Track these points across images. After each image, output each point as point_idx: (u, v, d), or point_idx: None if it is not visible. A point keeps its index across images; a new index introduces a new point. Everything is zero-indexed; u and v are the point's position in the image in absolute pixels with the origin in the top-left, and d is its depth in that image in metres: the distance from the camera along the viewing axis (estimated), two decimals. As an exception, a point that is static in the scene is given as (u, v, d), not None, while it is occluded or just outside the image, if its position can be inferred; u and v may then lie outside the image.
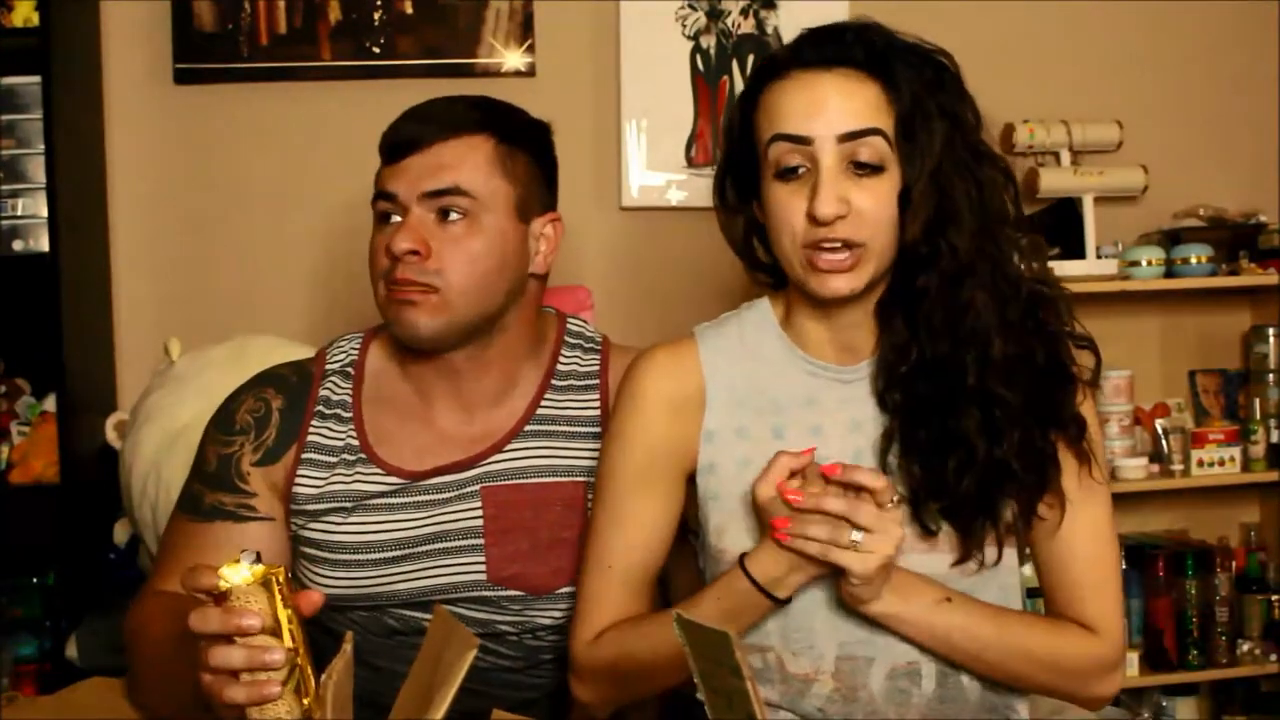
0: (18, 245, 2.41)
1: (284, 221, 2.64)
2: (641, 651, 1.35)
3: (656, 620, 1.34)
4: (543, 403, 1.55)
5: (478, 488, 1.51)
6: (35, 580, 2.44)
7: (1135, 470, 2.63)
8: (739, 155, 1.37)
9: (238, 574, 1.09)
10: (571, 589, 1.50)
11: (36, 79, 2.38)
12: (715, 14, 2.70)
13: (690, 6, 2.70)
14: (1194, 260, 2.65)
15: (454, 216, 1.48)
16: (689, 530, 1.44)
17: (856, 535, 1.22)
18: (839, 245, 1.27)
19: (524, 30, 2.65)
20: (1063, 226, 2.68)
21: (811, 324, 1.37)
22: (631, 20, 2.68)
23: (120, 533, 2.34)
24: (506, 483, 1.51)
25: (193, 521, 1.51)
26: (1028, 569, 1.41)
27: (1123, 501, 2.74)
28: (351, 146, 2.59)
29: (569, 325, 1.63)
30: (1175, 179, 2.80)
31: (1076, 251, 2.67)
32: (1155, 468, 2.67)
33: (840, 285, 1.28)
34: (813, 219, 1.27)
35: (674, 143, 2.70)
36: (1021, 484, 1.30)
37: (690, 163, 2.70)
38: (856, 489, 1.23)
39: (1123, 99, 2.81)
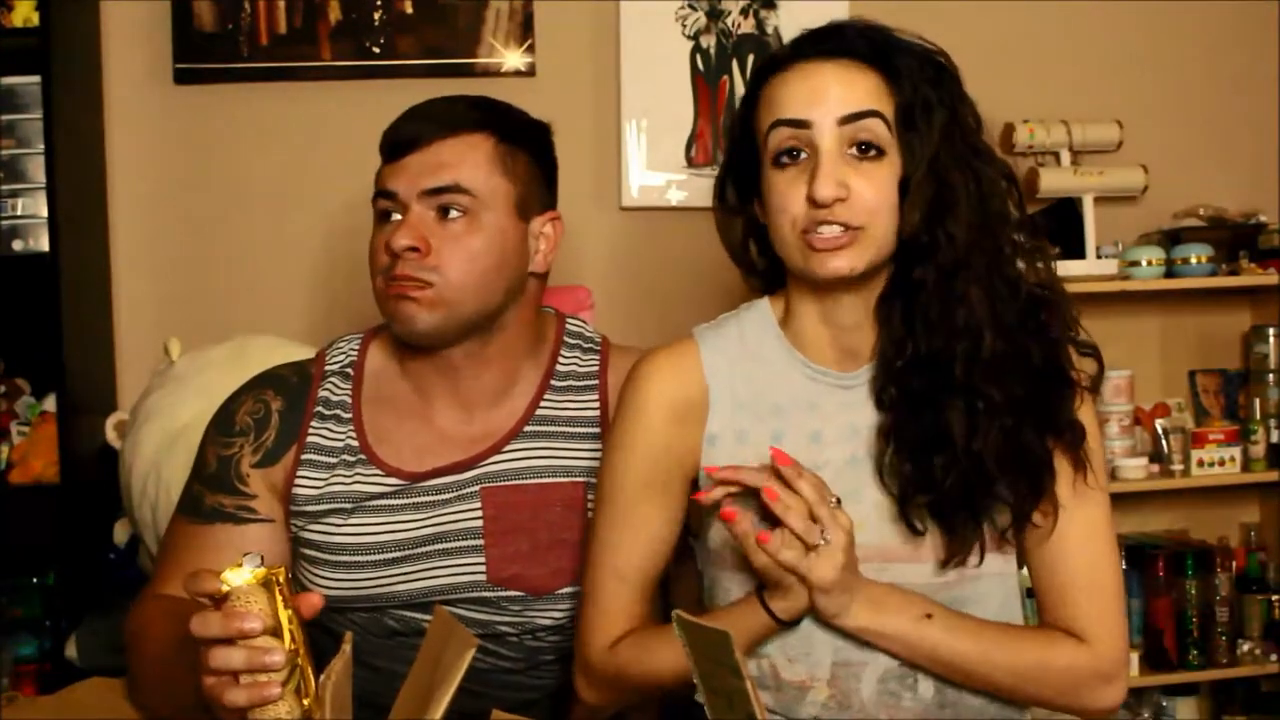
0: (18, 245, 2.41)
1: (284, 221, 2.64)
2: (658, 664, 1.35)
3: (671, 637, 1.34)
4: (542, 403, 1.55)
5: (477, 488, 1.51)
6: (35, 580, 2.43)
7: (1135, 470, 2.63)
8: (740, 155, 1.37)
9: (239, 576, 1.10)
10: (571, 589, 1.50)
11: (36, 79, 2.38)
12: (715, 14, 2.70)
13: (690, 6, 2.70)
14: (1194, 260, 2.65)
15: (453, 214, 1.48)
16: (689, 532, 1.44)
17: (826, 537, 1.23)
18: (837, 227, 1.27)
19: (524, 30, 2.65)
20: (1063, 226, 2.68)
21: (811, 326, 1.37)
22: (631, 20, 2.68)
23: (120, 533, 2.34)
24: (506, 483, 1.51)
25: (193, 524, 1.51)
26: (1024, 571, 1.41)
27: (1123, 501, 2.75)
28: (351, 146, 2.59)
29: (568, 325, 1.63)
30: (1175, 179, 2.79)
31: (1076, 251, 2.67)
32: (1155, 468, 2.67)
33: (839, 264, 1.28)
34: (812, 202, 1.27)
35: (674, 143, 2.70)
36: (1012, 487, 1.30)
37: (690, 163, 2.69)
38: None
39: (1123, 99, 2.81)
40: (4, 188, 2.40)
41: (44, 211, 2.38)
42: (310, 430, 1.53)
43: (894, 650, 1.31)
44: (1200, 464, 2.66)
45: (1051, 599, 1.37)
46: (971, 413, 1.28)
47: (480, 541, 1.50)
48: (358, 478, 1.51)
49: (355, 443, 1.53)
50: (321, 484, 1.51)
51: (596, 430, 1.53)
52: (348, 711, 1.09)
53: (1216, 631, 2.65)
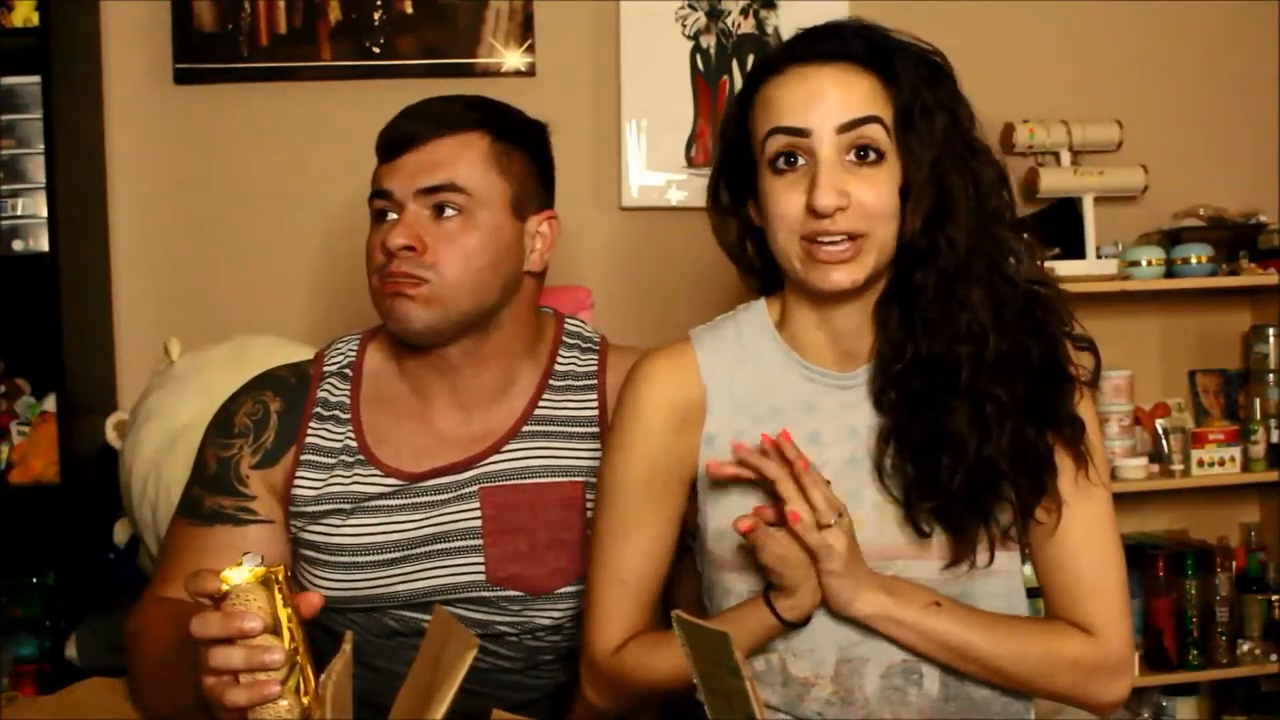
0: (18, 245, 2.41)
1: (284, 221, 2.64)
2: (663, 668, 1.35)
3: (676, 641, 1.34)
4: (540, 403, 1.55)
5: (476, 489, 1.51)
6: (35, 580, 2.43)
7: (1135, 470, 2.63)
8: (734, 156, 1.37)
9: (239, 575, 1.10)
10: (570, 589, 1.50)
11: (36, 79, 2.38)
12: (715, 14, 2.70)
13: (690, 6, 2.70)
14: (1194, 260, 2.65)
15: (449, 213, 1.49)
16: (688, 533, 1.44)
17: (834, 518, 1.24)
18: (840, 239, 1.27)
19: (524, 30, 2.65)
20: (1063, 226, 2.68)
21: (809, 328, 1.37)
22: (631, 20, 2.68)
23: (120, 533, 2.34)
24: (505, 483, 1.51)
25: (193, 525, 1.52)
26: (1028, 568, 1.41)
27: (1123, 501, 2.73)
28: (351, 146, 2.58)
29: (567, 325, 1.63)
30: (1175, 179, 2.79)
31: (1076, 251, 2.67)
32: (1155, 468, 2.67)
33: (841, 278, 1.28)
34: (812, 211, 1.26)
35: (674, 143, 2.70)
36: (1015, 485, 1.30)
37: (690, 163, 2.69)
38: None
39: (1123, 99, 2.81)
40: (4, 188, 2.40)
41: (44, 211, 2.38)
42: (309, 431, 1.53)
43: (905, 639, 1.31)
44: (1200, 464, 2.66)
45: (1057, 595, 1.37)
46: (979, 415, 1.28)
47: (479, 541, 1.50)
48: (356, 478, 1.51)
49: (354, 443, 1.53)
50: (320, 485, 1.51)
51: (595, 430, 1.53)
52: (348, 711, 1.09)
53: (1216, 631, 2.65)
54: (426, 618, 1.47)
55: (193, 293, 2.62)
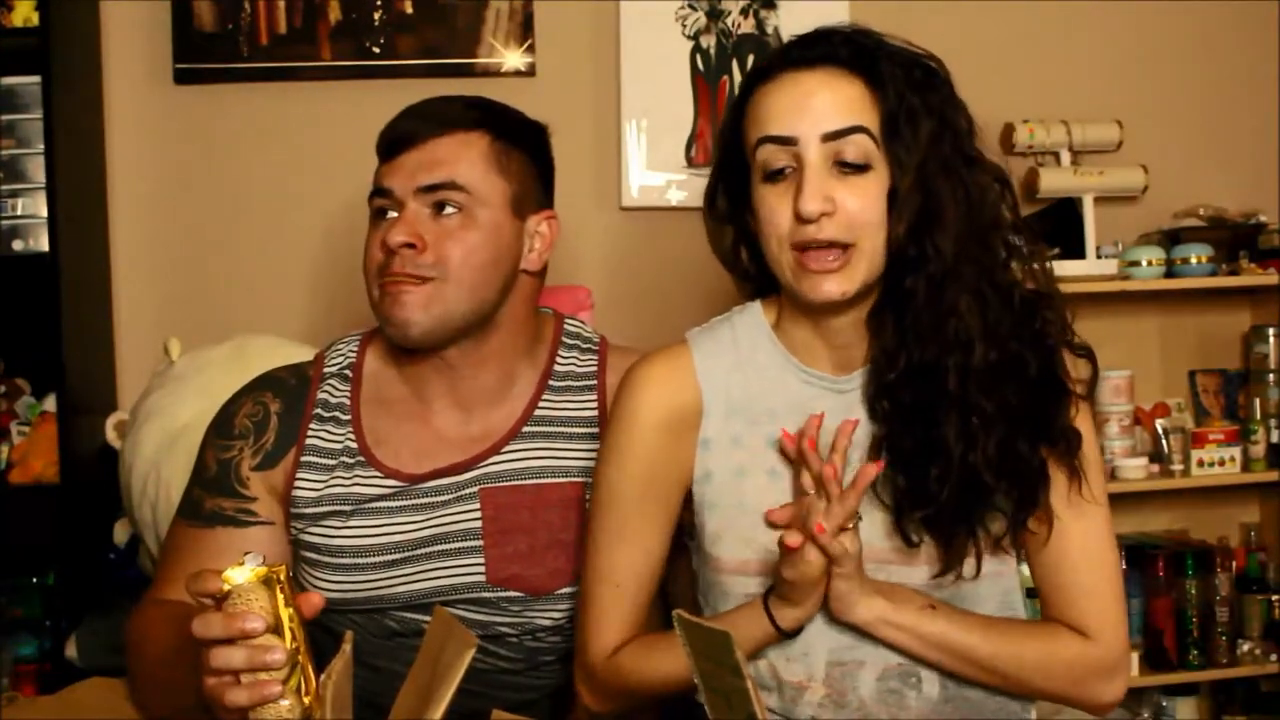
0: (18, 245, 2.41)
1: (284, 221, 2.64)
2: (660, 670, 1.35)
3: (673, 643, 1.34)
4: (540, 403, 1.55)
5: (476, 489, 1.51)
6: (35, 580, 2.43)
7: (1135, 470, 2.63)
8: (731, 162, 1.37)
9: (240, 575, 1.10)
10: (571, 590, 1.50)
11: (36, 79, 2.38)
12: (715, 14, 2.70)
13: (690, 6, 2.70)
14: (1194, 260, 2.65)
15: (449, 211, 1.49)
16: (685, 534, 1.44)
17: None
18: (827, 246, 1.27)
19: (524, 30, 2.65)
20: (1063, 226, 2.68)
21: (804, 333, 1.36)
22: (631, 20, 2.68)
23: (120, 533, 2.34)
24: (505, 484, 1.51)
25: (193, 527, 1.51)
26: (1025, 568, 1.41)
27: (1123, 501, 2.74)
28: (351, 146, 2.59)
29: (566, 326, 1.63)
30: (1175, 179, 2.79)
31: (1076, 251, 2.67)
32: (1155, 468, 2.67)
33: (831, 288, 1.27)
34: (799, 217, 1.26)
35: (674, 143, 2.70)
36: (1005, 496, 1.29)
37: (690, 163, 2.69)
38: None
39: (1123, 99, 2.81)
40: (4, 188, 2.40)
41: (44, 211, 2.38)
42: (309, 432, 1.53)
43: (903, 644, 1.31)
44: (1200, 464, 2.66)
45: (1054, 598, 1.37)
46: (966, 425, 1.27)
47: (479, 542, 1.50)
48: (357, 480, 1.51)
49: (354, 444, 1.52)
50: (321, 486, 1.51)
51: (594, 430, 1.53)
52: (348, 711, 1.09)
53: (1216, 631, 2.65)
54: (427, 618, 1.46)
55: (193, 293, 2.62)
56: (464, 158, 1.50)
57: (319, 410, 1.54)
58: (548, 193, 1.60)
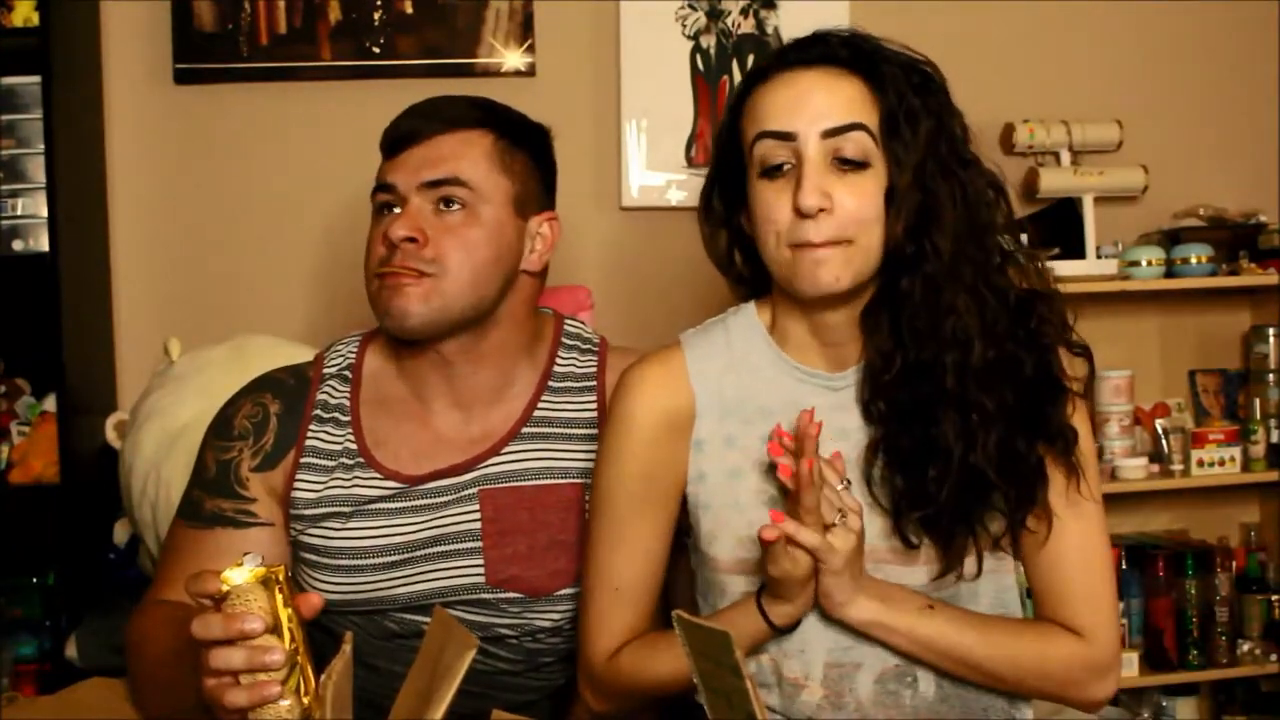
0: (18, 245, 2.41)
1: (284, 221, 2.64)
2: (661, 670, 1.35)
3: (673, 642, 1.34)
4: (539, 404, 1.55)
5: (475, 491, 1.51)
6: (35, 580, 2.43)
7: (1135, 470, 2.63)
8: (727, 164, 1.37)
9: (239, 575, 1.10)
10: (570, 591, 1.50)
11: (36, 79, 2.38)
12: (715, 14, 2.70)
13: (690, 6, 2.70)
14: (1194, 260, 2.65)
15: (453, 207, 1.49)
16: (683, 533, 1.44)
17: (838, 517, 1.24)
18: (824, 244, 1.27)
19: (524, 30, 2.65)
20: (1063, 226, 2.68)
21: (799, 331, 1.36)
22: (631, 20, 2.68)
23: (120, 533, 2.34)
24: (504, 485, 1.51)
25: (193, 528, 1.51)
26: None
27: (1123, 501, 2.75)
28: (351, 146, 2.58)
29: (566, 326, 1.63)
30: (1175, 179, 2.79)
31: (1076, 251, 2.67)
32: (1155, 468, 2.67)
33: (827, 278, 1.27)
34: (798, 212, 1.26)
35: (674, 143, 2.70)
36: (1004, 495, 1.29)
37: (690, 163, 2.69)
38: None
39: (1123, 99, 2.81)
40: (4, 188, 2.40)
41: (44, 211, 2.38)
42: (309, 434, 1.53)
43: (899, 644, 1.31)
44: (1200, 464, 2.66)
45: (1048, 598, 1.37)
46: (965, 424, 1.27)
47: (479, 544, 1.50)
48: (356, 481, 1.51)
49: (354, 446, 1.52)
50: (320, 487, 1.51)
51: (594, 431, 1.53)
52: (348, 711, 1.08)
53: (1216, 631, 2.66)
54: (426, 619, 1.47)
55: (193, 293, 2.62)
56: (468, 155, 1.50)
57: (318, 411, 1.54)
58: (549, 194, 1.61)
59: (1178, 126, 2.86)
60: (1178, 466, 2.67)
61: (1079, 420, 1.34)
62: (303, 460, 1.51)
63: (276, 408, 1.54)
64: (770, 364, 1.38)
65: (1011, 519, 1.31)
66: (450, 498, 1.51)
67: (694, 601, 1.44)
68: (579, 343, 1.61)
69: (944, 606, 1.32)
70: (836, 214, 1.27)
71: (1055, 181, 2.68)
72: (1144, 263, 2.62)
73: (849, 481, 1.29)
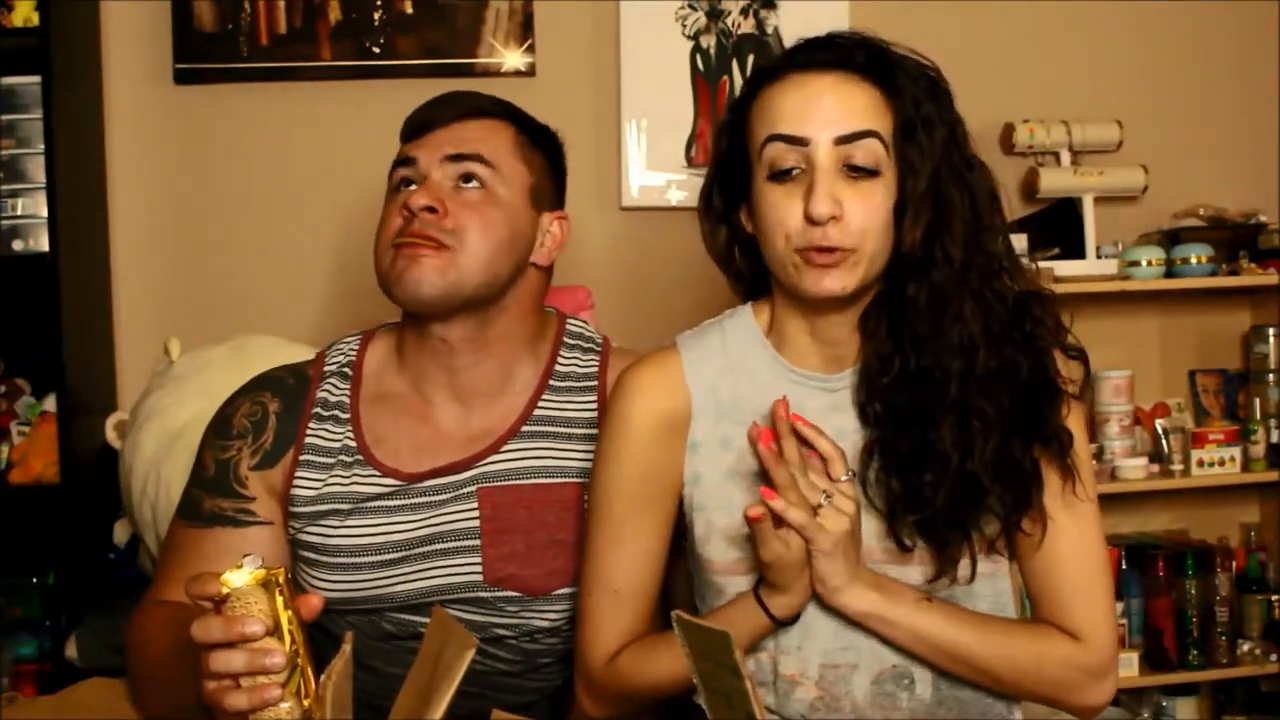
0: (18, 245, 2.41)
1: (284, 221, 2.64)
2: (660, 672, 1.35)
3: (671, 643, 1.34)
4: (540, 403, 1.55)
5: (474, 489, 1.51)
6: (35, 580, 2.43)
7: (1135, 470, 2.63)
8: (730, 161, 1.36)
9: (239, 578, 1.09)
10: (568, 590, 1.50)
11: (36, 79, 2.38)
12: (715, 14, 2.70)
13: (690, 6, 2.70)
14: (1194, 260, 2.65)
15: (473, 184, 1.51)
16: (681, 535, 1.44)
17: (824, 498, 1.25)
18: (831, 250, 1.27)
19: (524, 30, 2.65)
20: (1063, 226, 2.68)
21: (796, 334, 1.36)
22: (631, 20, 2.68)
23: (120, 533, 2.34)
24: (503, 484, 1.51)
25: (192, 528, 1.51)
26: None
27: (1123, 501, 2.75)
28: (351, 146, 2.60)
29: (569, 326, 1.63)
30: (1175, 179, 2.79)
31: (1076, 251, 2.67)
32: (1155, 468, 2.67)
33: (832, 284, 1.27)
34: (809, 219, 1.26)
35: (674, 143, 2.70)
36: (1000, 499, 1.29)
37: (690, 163, 2.70)
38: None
39: (1123, 99, 2.81)
40: (4, 188, 2.40)
41: (44, 211, 2.38)
42: (308, 431, 1.53)
43: (896, 638, 1.31)
44: (1200, 464, 2.66)
45: (1045, 601, 1.37)
46: (965, 429, 1.27)
47: (477, 542, 1.49)
48: (355, 479, 1.51)
49: (353, 443, 1.52)
50: (320, 484, 1.51)
51: (594, 431, 1.53)
52: (348, 711, 1.08)
53: (1216, 631, 2.66)
54: (423, 620, 1.47)
55: (193, 293, 2.62)
56: (491, 139, 1.54)
57: (318, 409, 1.54)
58: (560, 196, 1.63)
59: (1178, 126, 2.86)
60: (1178, 466, 2.67)
61: (1074, 422, 1.34)
62: (302, 458, 1.51)
63: (276, 406, 1.54)
64: (766, 366, 1.38)
65: (1006, 522, 1.31)
66: (449, 496, 1.51)
67: (693, 603, 1.44)
68: (581, 342, 1.61)
69: (942, 603, 1.32)
70: (845, 221, 1.26)
71: (1055, 181, 2.68)
72: (1144, 263, 2.62)
73: (854, 472, 1.29)
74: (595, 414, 1.55)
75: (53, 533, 2.38)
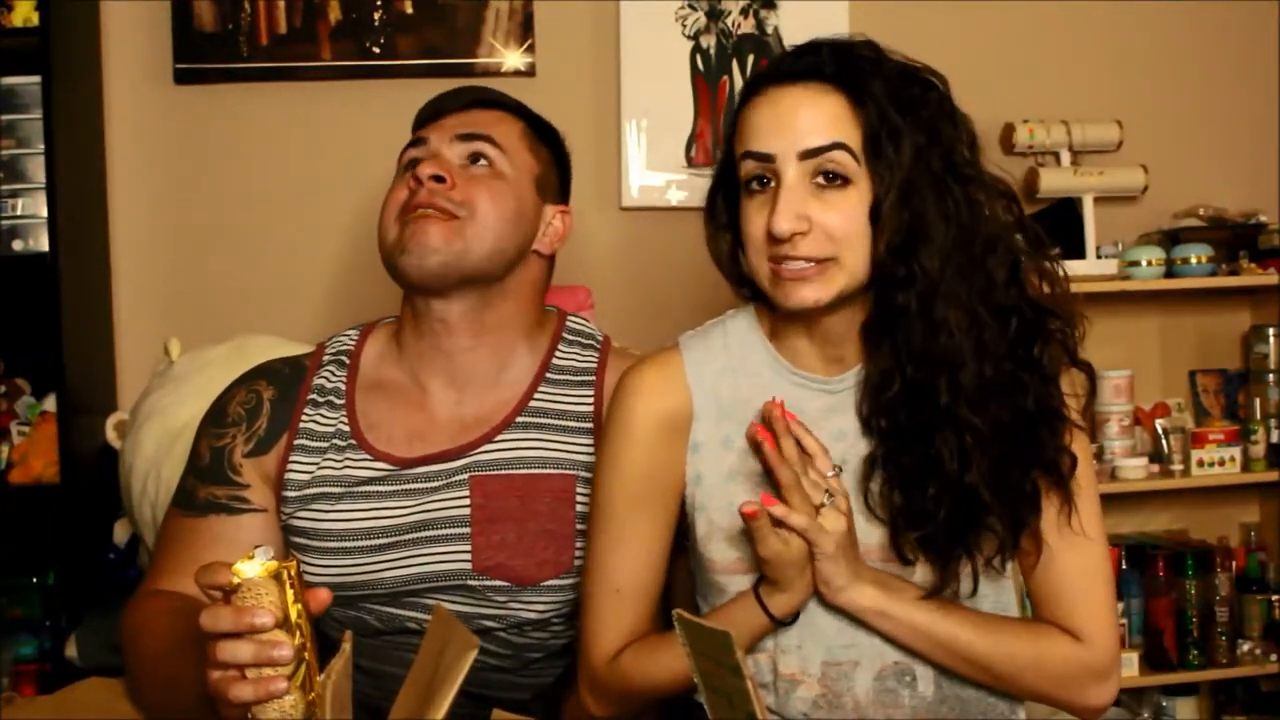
0: (18, 245, 2.41)
1: (284, 221, 2.64)
2: (662, 671, 1.36)
3: (673, 643, 1.34)
4: (536, 394, 1.56)
5: (466, 477, 1.51)
6: (35, 580, 2.43)
7: (1135, 470, 2.63)
8: (729, 170, 1.37)
9: (251, 569, 1.09)
10: (556, 582, 1.50)
11: (36, 79, 2.38)
12: (715, 14, 2.70)
13: (690, 6, 2.70)
14: (1194, 260, 2.65)
15: (482, 163, 1.55)
16: (683, 535, 1.44)
17: (826, 498, 1.25)
18: (803, 262, 1.26)
19: (524, 30, 2.65)
20: (1063, 226, 2.68)
21: (796, 336, 1.37)
22: (631, 20, 2.68)
23: (120, 533, 2.34)
24: (496, 473, 1.51)
25: (187, 516, 1.52)
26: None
27: (1123, 501, 2.75)
28: (351, 146, 2.60)
29: (569, 323, 1.64)
30: (1175, 179, 2.79)
31: (1076, 251, 2.67)
32: (1155, 468, 2.67)
33: (806, 295, 1.27)
34: (770, 235, 1.26)
35: (674, 143, 2.70)
36: (1000, 517, 1.28)
37: (690, 163, 2.70)
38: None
39: (1123, 99, 2.81)
40: (4, 188, 2.40)
41: (44, 211, 2.38)
42: (303, 417, 1.54)
43: (897, 634, 1.31)
44: (1200, 464, 2.66)
45: (1046, 601, 1.37)
46: (961, 444, 1.26)
47: (467, 530, 1.49)
48: (347, 463, 1.51)
49: (346, 428, 1.53)
50: (312, 468, 1.51)
51: (589, 426, 1.54)
52: (348, 711, 1.08)
53: (1216, 631, 2.66)
54: (408, 614, 1.48)
55: (193, 293, 2.62)
56: (501, 127, 1.58)
57: (314, 395, 1.55)
58: (565, 192, 1.67)
59: (1178, 126, 2.86)
60: (1178, 466, 2.67)
61: (1077, 448, 1.33)
62: (296, 442, 1.52)
63: (270, 394, 1.55)
64: (768, 367, 1.38)
65: (1003, 541, 1.30)
66: (440, 483, 1.51)
67: (694, 602, 1.44)
68: (581, 338, 1.62)
69: (941, 600, 1.32)
70: (815, 232, 1.26)
71: (1055, 181, 2.68)
72: (1144, 263, 2.62)
73: (840, 468, 1.29)
74: (591, 408, 1.55)
75: (53, 533, 2.38)
